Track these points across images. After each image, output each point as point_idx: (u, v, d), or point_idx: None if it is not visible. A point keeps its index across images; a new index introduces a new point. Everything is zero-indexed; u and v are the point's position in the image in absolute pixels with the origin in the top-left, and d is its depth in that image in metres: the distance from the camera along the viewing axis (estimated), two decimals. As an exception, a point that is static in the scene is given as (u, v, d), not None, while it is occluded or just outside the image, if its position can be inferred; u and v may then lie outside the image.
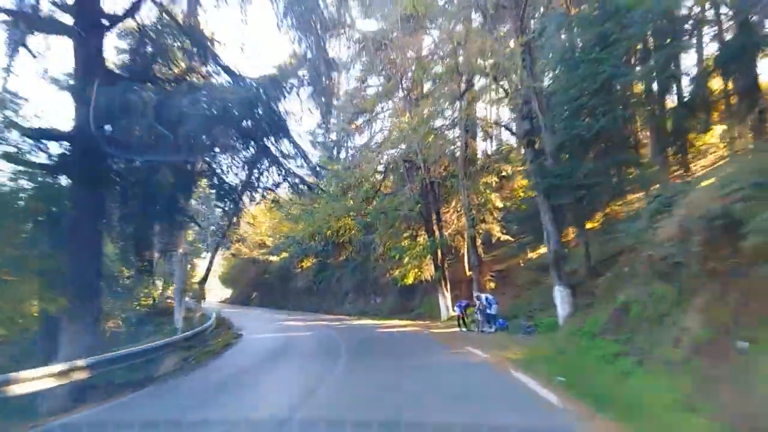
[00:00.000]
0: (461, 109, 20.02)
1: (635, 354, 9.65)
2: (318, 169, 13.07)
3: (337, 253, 35.96)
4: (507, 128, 15.94)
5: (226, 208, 15.54)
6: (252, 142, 12.45)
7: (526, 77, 14.11)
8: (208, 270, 25.10)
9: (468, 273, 26.38)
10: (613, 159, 14.74)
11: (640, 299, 10.82)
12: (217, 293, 67.66)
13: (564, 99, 14.03)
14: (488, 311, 18.05)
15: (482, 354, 11.48)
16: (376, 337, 17.45)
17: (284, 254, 41.31)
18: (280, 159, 12.93)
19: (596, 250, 17.96)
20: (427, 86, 25.69)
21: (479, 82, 17.79)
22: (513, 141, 29.44)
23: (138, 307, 25.43)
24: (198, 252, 43.90)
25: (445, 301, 23.65)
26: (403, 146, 22.72)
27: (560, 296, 15.44)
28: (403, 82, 25.23)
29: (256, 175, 14.33)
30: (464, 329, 18.75)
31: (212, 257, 25.08)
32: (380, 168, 25.52)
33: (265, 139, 12.26)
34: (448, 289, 23.86)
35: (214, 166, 13.43)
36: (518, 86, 14.87)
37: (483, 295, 18.74)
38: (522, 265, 24.97)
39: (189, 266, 28.45)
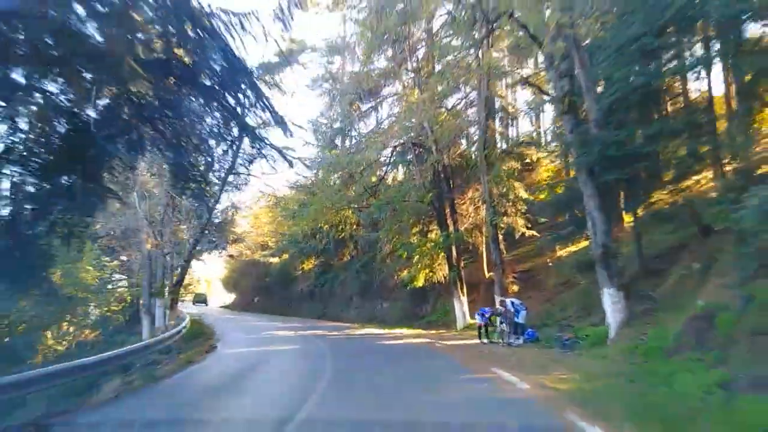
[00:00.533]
0: (480, 62, 16.49)
1: (748, 382, 6.60)
2: (286, 124, 9.87)
3: (340, 254, 32.81)
4: (538, 88, 12.68)
5: (188, 192, 12.40)
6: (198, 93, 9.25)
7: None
8: (183, 273, 21.94)
9: (487, 274, 23.00)
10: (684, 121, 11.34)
11: (731, 304, 8.50)
12: (221, 298, 65.22)
13: (621, 40, 10.65)
14: (516, 319, 14.71)
15: (518, 381, 8.13)
16: (376, 352, 14.15)
17: (285, 256, 38.28)
18: (241, 114, 9.71)
19: (645, 243, 14.62)
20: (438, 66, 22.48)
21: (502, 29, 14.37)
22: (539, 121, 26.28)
23: (108, 312, 22.67)
24: (198, 252, 41.08)
25: (462, 306, 20.30)
26: (413, 122, 19.38)
27: (611, 301, 12.08)
28: (412, 60, 22.08)
29: (222, 146, 11.14)
30: (486, 341, 15.42)
31: (188, 257, 21.84)
32: (386, 152, 22.17)
33: (215, 83, 9.06)
34: (465, 293, 20.51)
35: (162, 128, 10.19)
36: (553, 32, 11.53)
37: (509, 300, 15.39)
38: (550, 264, 21.59)
39: (179, 269, 25.39)
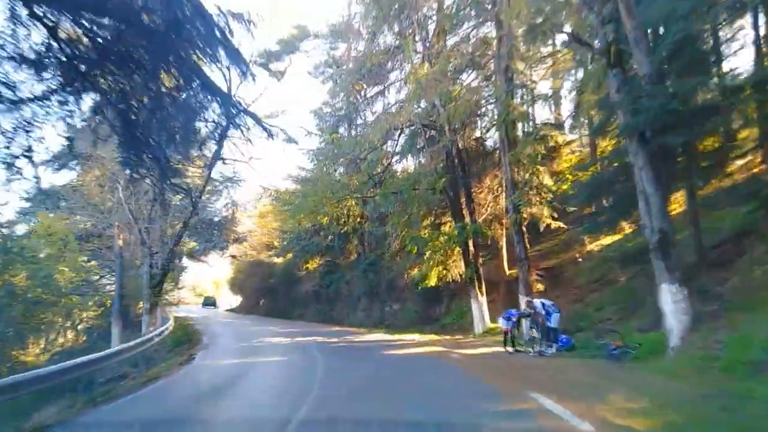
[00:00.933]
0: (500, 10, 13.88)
1: None
2: (249, 66, 7.62)
3: (346, 252, 30.55)
4: (576, 39, 10.21)
5: (143, 171, 10.12)
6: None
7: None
8: (164, 274, 19.69)
9: (508, 271, 20.56)
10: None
11: None
12: (229, 301, 63.20)
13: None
14: (547, 324, 12.32)
15: (571, 415, 5.69)
16: (379, 365, 11.70)
17: (289, 255, 36.09)
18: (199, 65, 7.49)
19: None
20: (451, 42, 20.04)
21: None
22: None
23: (82, 319, 20.63)
24: (196, 253, 39.03)
25: (480, 308, 17.89)
26: (422, 101, 16.97)
27: (671, 299, 9.64)
28: (421, 33, 19.69)
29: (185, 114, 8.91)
30: (511, 349, 13.01)
31: (170, 255, 19.49)
32: (393, 137, 19.70)
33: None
34: (484, 293, 18.11)
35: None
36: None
37: (538, 301, 12.96)
38: (580, 259, 19.14)
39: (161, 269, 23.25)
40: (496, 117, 17.90)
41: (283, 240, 34.31)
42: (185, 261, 40.91)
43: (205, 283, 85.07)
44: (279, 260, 39.49)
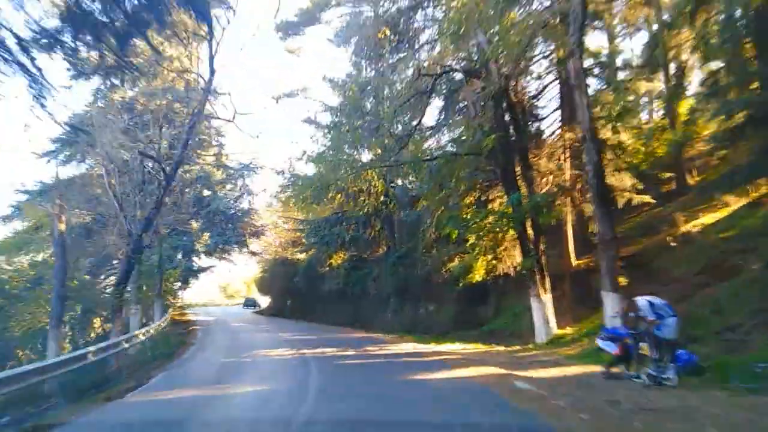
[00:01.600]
0: None
1: None
2: None
3: (374, 245, 26.48)
4: None
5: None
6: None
7: None
8: (128, 269, 15.68)
9: (575, 261, 16.05)
10: None
11: None
12: (263, 301, 60.05)
13: None
14: (658, 333, 7.88)
15: None
16: (402, 406, 7.40)
17: (312, 251, 32.26)
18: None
19: None
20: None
21: None
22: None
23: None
24: (217, 251, 35.64)
25: (543, 309, 13.45)
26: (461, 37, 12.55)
27: None
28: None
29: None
30: (617, 370, 8.60)
31: (136, 245, 15.53)
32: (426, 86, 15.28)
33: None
34: (548, 289, 13.67)
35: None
36: None
37: (643, 300, 8.28)
38: (672, 243, 14.55)
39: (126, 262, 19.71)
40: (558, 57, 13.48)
41: (303, 231, 30.52)
42: (209, 260, 38.18)
43: (237, 283, 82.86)
44: (302, 256, 35.78)
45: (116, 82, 14.78)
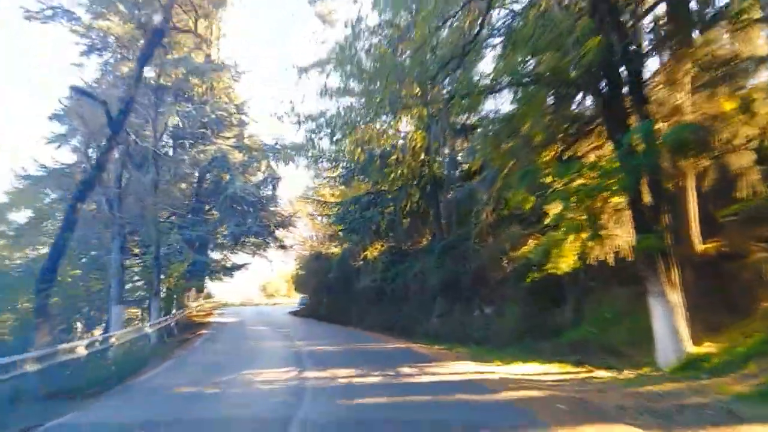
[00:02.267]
0: None
1: None
2: None
3: (416, 234, 22.00)
4: None
5: None
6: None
7: None
8: (58, 254, 11.91)
9: (700, 245, 11.03)
10: None
11: None
12: (295, 301, 56.94)
13: None
14: None
15: None
16: None
17: (346, 244, 28.17)
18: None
19: None
20: None
21: None
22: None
23: None
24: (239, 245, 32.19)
25: (671, 313, 8.53)
26: None
27: None
28: None
29: None
30: None
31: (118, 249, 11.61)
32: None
33: None
34: (677, 283, 8.79)
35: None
36: None
37: None
38: None
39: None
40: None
41: (329, 217, 26.46)
42: (241, 257, 35.29)
43: (278, 282, 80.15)
44: (337, 250, 31.74)
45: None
